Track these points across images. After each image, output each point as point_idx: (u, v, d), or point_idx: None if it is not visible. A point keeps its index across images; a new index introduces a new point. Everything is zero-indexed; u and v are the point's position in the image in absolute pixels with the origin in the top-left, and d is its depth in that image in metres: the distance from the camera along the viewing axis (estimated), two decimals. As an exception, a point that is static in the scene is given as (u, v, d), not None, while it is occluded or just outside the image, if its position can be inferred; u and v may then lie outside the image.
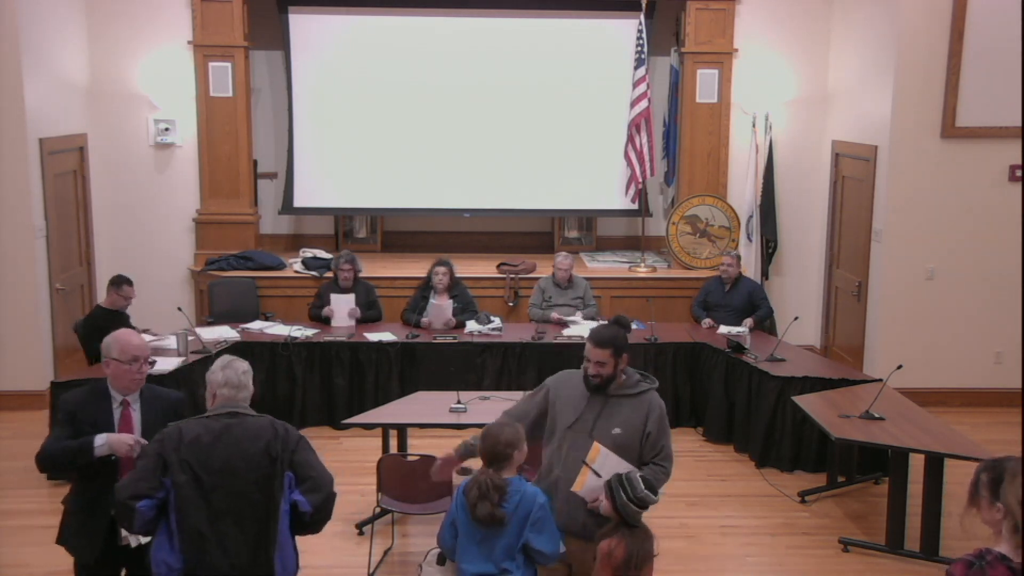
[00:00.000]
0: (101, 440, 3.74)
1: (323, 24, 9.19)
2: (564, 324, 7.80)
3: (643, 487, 3.73)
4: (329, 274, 8.30)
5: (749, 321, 7.82)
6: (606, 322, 4.28)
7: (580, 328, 7.62)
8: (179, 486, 3.31)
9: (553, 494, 3.94)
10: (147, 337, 7.16)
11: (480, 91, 9.28)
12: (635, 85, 8.84)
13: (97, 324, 6.92)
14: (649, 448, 4.00)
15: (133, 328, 7.17)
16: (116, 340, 3.87)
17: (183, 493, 3.31)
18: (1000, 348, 8.15)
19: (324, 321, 7.80)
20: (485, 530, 3.77)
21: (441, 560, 3.99)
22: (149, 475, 3.33)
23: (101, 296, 8.64)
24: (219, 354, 6.99)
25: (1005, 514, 2.75)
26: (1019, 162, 7.89)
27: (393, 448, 6.07)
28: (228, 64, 8.88)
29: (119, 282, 7.02)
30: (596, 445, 3.93)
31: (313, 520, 3.45)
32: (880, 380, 6.38)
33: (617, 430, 3.95)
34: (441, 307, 7.71)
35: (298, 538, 3.51)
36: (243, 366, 3.55)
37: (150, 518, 3.33)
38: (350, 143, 9.33)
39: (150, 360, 3.94)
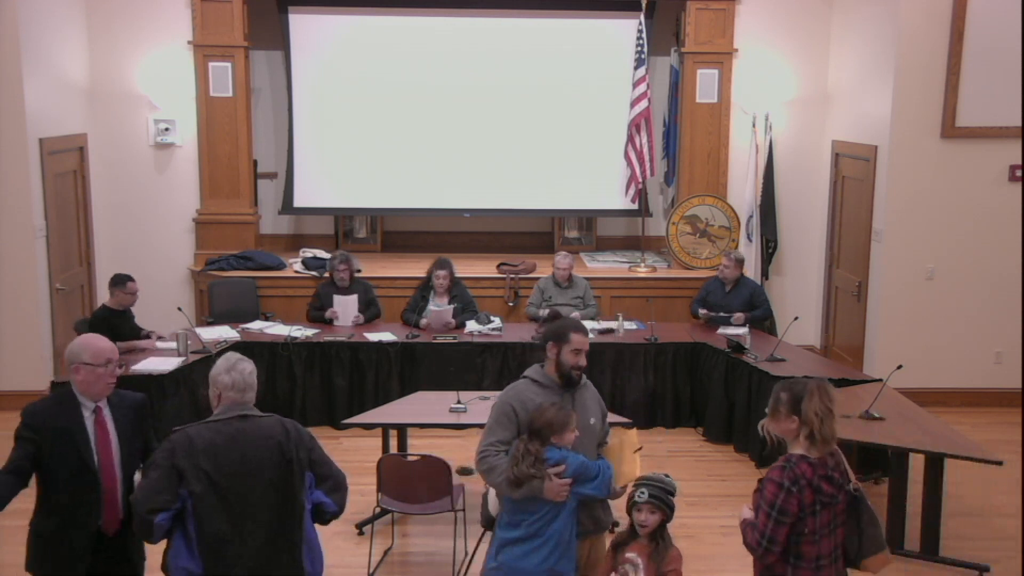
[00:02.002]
0: None
1: (323, 24, 9.19)
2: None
3: (665, 478, 3.78)
4: (328, 274, 8.29)
5: (740, 316, 7.76)
6: (554, 318, 4.29)
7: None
8: (197, 495, 3.29)
9: None
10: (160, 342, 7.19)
11: (480, 91, 9.28)
12: (635, 85, 8.84)
13: (105, 323, 6.93)
14: (602, 432, 4.12)
15: (140, 328, 7.27)
16: (86, 345, 3.72)
17: (202, 501, 3.29)
18: (1000, 348, 8.15)
19: (324, 322, 7.79)
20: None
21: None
22: (164, 487, 3.29)
23: (101, 296, 8.66)
24: (219, 354, 7.02)
25: (800, 424, 3.40)
26: (1019, 162, 7.89)
27: (393, 448, 6.08)
28: (228, 64, 8.88)
29: (122, 280, 7.00)
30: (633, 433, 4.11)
31: (333, 517, 3.54)
32: (880, 380, 6.38)
33: (593, 420, 4.01)
34: (441, 313, 7.71)
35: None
36: (248, 366, 3.52)
37: (167, 528, 3.33)
38: (350, 143, 9.33)
39: (120, 363, 3.84)
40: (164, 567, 3.45)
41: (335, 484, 3.52)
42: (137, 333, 7.18)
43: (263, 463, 3.36)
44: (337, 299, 7.82)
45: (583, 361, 3.93)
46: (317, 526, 3.57)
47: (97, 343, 3.75)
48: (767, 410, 3.54)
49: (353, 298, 7.84)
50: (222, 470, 3.32)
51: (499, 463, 3.82)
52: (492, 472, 3.83)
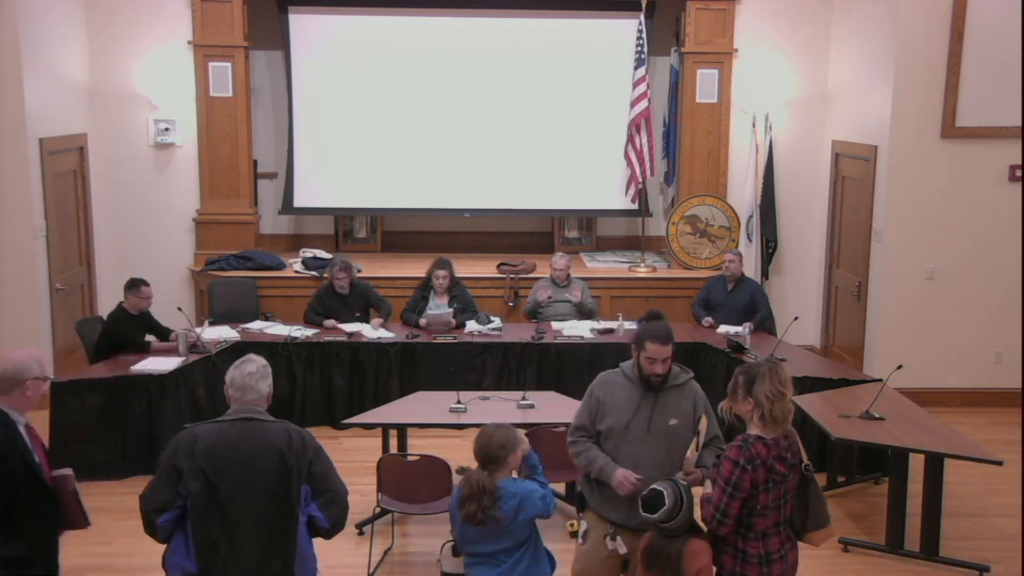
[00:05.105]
0: None
1: (323, 24, 9.19)
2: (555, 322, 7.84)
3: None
4: (327, 276, 8.25)
5: (749, 324, 7.77)
6: (650, 319, 4.05)
7: (579, 329, 7.62)
8: (193, 495, 3.32)
9: (613, 492, 3.93)
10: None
11: (480, 91, 9.28)
12: (635, 85, 8.84)
13: (119, 325, 6.93)
14: (706, 434, 4.04)
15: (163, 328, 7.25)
16: (38, 359, 3.60)
17: (197, 501, 3.32)
18: (1000, 348, 8.15)
19: (321, 326, 7.71)
20: (476, 528, 3.78)
21: (456, 552, 4.00)
22: (166, 486, 3.34)
23: (101, 296, 8.69)
24: (219, 354, 7.03)
25: (755, 406, 3.60)
26: (1019, 162, 7.89)
27: (393, 448, 6.08)
28: (228, 64, 8.87)
29: (135, 284, 7.02)
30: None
31: (328, 533, 3.51)
32: (880, 380, 6.37)
33: (674, 421, 3.98)
34: (439, 315, 7.70)
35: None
36: (250, 367, 3.52)
37: (171, 530, 3.36)
38: (350, 143, 9.33)
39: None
40: (163, 563, 3.47)
41: (331, 499, 3.46)
42: (163, 335, 7.19)
43: (261, 469, 3.36)
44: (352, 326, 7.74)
45: (659, 369, 3.92)
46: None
47: (43, 357, 3.66)
48: (728, 391, 3.75)
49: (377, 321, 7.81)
50: (219, 472, 3.33)
51: (585, 449, 4.02)
52: (578, 457, 4.07)
